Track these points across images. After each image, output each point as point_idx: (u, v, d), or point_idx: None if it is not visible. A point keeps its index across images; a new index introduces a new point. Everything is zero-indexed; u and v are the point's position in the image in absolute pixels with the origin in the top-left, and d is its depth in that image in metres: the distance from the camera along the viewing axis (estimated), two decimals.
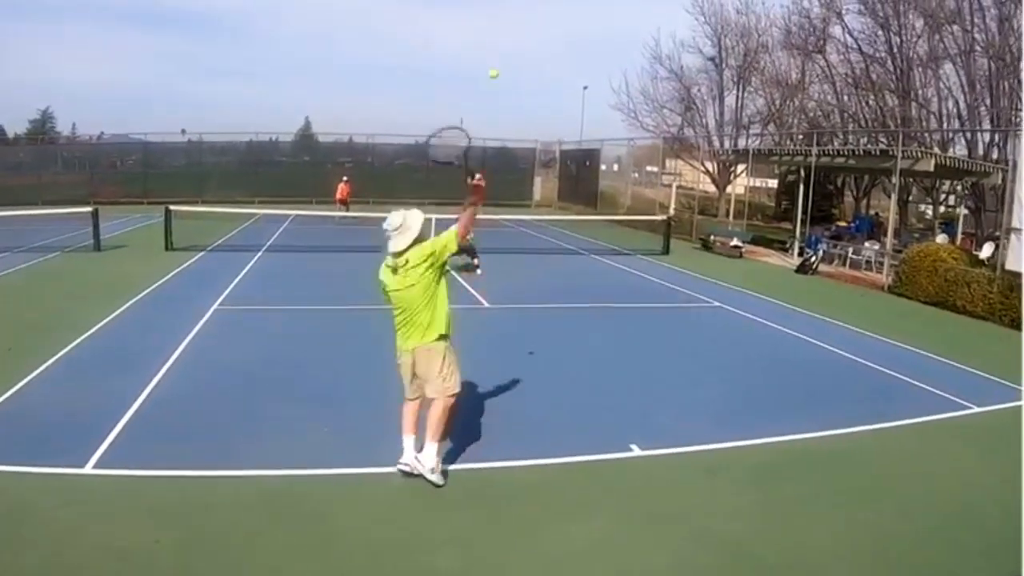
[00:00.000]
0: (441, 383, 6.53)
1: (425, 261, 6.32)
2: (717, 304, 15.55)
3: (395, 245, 6.39)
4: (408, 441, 6.78)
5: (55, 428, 7.72)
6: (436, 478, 6.63)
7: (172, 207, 21.79)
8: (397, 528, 6.04)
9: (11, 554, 5.40)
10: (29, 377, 9.21)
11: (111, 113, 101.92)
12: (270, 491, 6.58)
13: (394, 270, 6.40)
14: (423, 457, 6.64)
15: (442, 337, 6.57)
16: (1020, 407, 9.28)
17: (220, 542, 5.71)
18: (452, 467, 7.12)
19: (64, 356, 10.20)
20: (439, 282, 6.52)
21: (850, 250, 22.56)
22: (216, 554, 5.55)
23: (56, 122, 61.60)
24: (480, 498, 6.62)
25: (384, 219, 6.46)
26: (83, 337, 11.13)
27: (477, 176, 6.95)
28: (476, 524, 6.15)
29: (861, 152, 24.57)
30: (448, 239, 6.42)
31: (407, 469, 6.74)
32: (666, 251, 23.56)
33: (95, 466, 6.85)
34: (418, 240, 6.40)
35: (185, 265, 18.32)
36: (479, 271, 17.45)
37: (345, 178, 31.61)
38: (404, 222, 6.37)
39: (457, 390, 6.66)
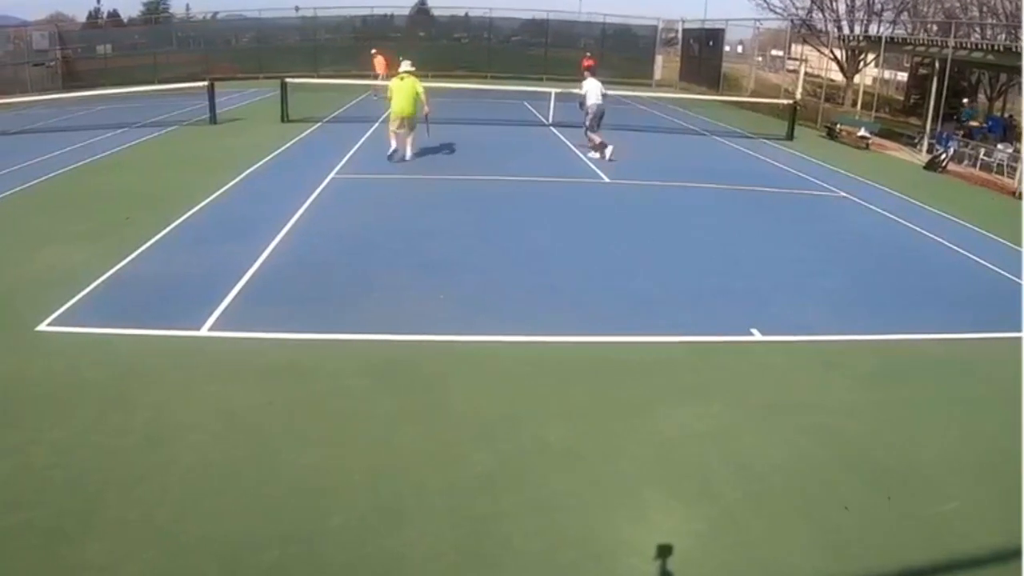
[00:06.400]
0: None
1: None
2: (842, 194, 14.80)
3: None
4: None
5: (172, 292, 7.98)
6: None
7: (288, 80, 21.87)
8: (507, 399, 6.07)
9: (123, 413, 5.61)
10: (147, 244, 9.52)
11: None
12: (381, 357, 6.69)
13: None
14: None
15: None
16: None
17: (329, 406, 5.85)
18: (564, 339, 7.14)
19: (181, 224, 10.49)
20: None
21: (981, 151, 21.10)
22: (325, 418, 5.68)
23: (169, 3, 61.86)
24: (594, 373, 6.59)
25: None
26: (200, 205, 11.43)
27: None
28: (589, 399, 6.12)
29: (1001, 49, 22.65)
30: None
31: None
32: (790, 137, 22.47)
33: (210, 329, 7.07)
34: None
35: (301, 136, 18.50)
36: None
37: (373, 51, 28.92)
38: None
39: None
